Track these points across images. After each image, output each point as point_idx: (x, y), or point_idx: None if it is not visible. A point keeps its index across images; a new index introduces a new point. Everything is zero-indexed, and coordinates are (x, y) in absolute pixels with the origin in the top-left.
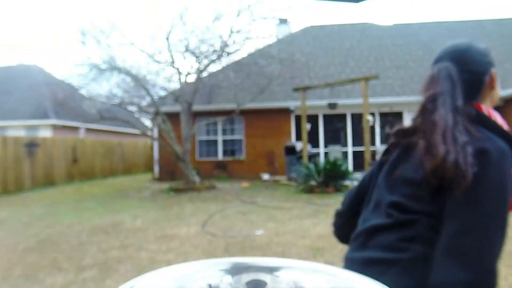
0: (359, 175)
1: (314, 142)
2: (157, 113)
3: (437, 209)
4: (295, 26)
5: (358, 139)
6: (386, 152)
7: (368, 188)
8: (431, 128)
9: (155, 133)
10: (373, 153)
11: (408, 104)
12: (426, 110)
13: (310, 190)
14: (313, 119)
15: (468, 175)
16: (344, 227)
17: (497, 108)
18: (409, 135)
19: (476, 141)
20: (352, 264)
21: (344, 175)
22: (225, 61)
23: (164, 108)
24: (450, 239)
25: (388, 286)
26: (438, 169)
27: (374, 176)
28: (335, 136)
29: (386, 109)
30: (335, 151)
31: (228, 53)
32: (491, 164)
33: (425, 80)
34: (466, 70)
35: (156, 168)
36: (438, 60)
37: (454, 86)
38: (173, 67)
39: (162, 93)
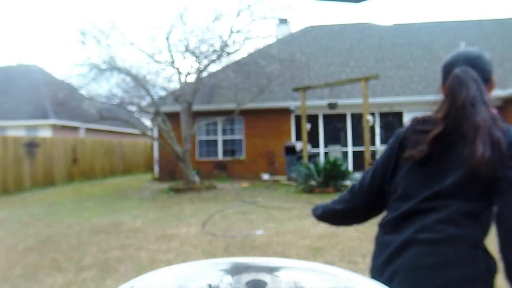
0: (359, 175)
1: (314, 142)
2: (157, 113)
3: (474, 199)
4: (295, 26)
5: (358, 139)
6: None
7: (385, 182)
8: (474, 130)
9: (155, 133)
10: (373, 153)
11: (408, 104)
12: (465, 113)
13: (310, 190)
14: (313, 119)
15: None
16: (347, 217)
17: (497, 108)
18: (443, 136)
19: (507, 134)
20: (391, 245)
21: (344, 175)
22: (225, 61)
23: (164, 108)
24: None
25: (425, 262)
26: (486, 165)
27: (396, 171)
28: (335, 136)
29: (386, 109)
30: (335, 151)
31: (228, 53)
32: None
33: (450, 81)
34: (484, 75)
35: (156, 168)
36: (452, 64)
37: (480, 89)
38: (173, 67)
39: (162, 93)
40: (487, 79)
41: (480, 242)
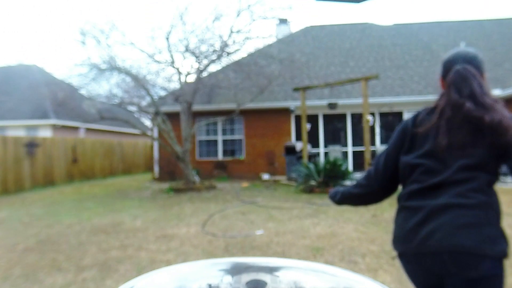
0: (359, 175)
1: (314, 142)
2: (157, 113)
3: (493, 169)
4: (295, 26)
5: (358, 139)
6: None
7: (398, 160)
8: (489, 109)
9: (155, 133)
10: (373, 153)
11: (408, 103)
12: (476, 98)
13: (310, 190)
14: (313, 119)
15: None
16: (365, 200)
17: None
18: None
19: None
20: (424, 209)
21: (344, 175)
22: (225, 61)
23: (164, 108)
24: None
25: (462, 222)
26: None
27: (413, 149)
28: (335, 136)
29: (386, 109)
30: (335, 151)
31: (228, 53)
32: None
33: (452, 76)
34: (481, 72)
35: (156, 168)
36: (452, 62)
37: (480, 82)
38: (173, 67)
39: (162, 93)
40: (482, 74)
41: (499, 208)
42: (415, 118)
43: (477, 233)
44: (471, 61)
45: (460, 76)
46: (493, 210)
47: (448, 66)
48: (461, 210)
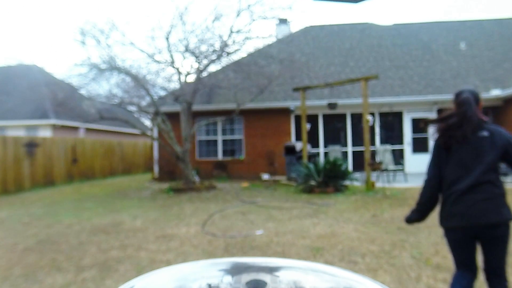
0: (358, 175)
1: (314, 142)
2: (157, 113)
3: (498, 171)
4: (295, 26)
5: (357, 139)
6: (440, 144)
7: (441, 168)
8: (470, 126)
9: (155, 133)
10: (373, 153)
11: (407, 103)
12: (466, 116)
13: (310, 190)
14: (313, 119)
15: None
16: (432, 197)
17: (497, 108)
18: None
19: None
20: (470, 200)
21: (344, 175)
22: (225, 61)
23: (164, 108)
24: None
25: (484, 203)
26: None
27: (444, 159)
28: (335, 136)
29: (386, 109)
30: (335, 151)
31: (228, 53)
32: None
33: (458, 100)
34: (476, 100)
35: (156, 168)
36: (462, 93)
37: (473, 106)
38: (173, 67)
39: (162, 93)
40: (477, 102)
41: (504, 194)
42: (438, 136)
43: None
44: (473, 93)
45: (466, 102)
46: (504, 197)
47: (458, 94)
48: (484, 196)
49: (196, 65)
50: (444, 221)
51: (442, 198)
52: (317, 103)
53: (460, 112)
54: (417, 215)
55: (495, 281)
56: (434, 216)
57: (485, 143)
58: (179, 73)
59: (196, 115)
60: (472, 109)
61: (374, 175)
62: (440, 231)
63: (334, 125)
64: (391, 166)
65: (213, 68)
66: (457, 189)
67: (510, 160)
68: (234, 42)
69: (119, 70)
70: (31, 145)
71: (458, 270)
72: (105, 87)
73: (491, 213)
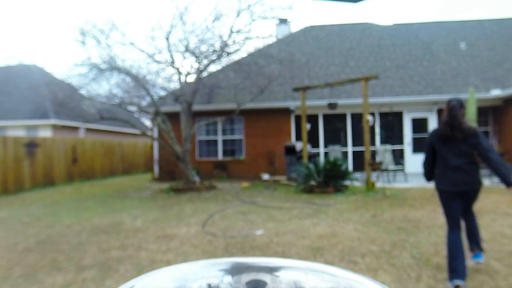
0: (358, 175)
1: (314, 142)
2: (157, 113)
3: (473, 157)
4: (295, 26)
5: (358, 139)
6: (433, 138)
7: (434, 154)
8: (458, 127)
9: (155, 133)
10: (373, 153)
11: (408, 103)
12: (455, 121)
13: (310, 190)
14: (313, 119)
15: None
16: (430, 172)
17: (497, 108)
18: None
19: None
20: (457, 172)
21: (344, 175)
22: (225, 61)
23: (164, 108)
24: (494, 155)
25: (464, 175)
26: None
27: (436, 149)
28: (335, 136)
29: (386, 109)
30: (335, 151)
31: (228, 53)
32: (481, 135)
33: (448, 107)
34: (462, 107)
35: (156, 168)
36: (451, 101)
37: (460, 112)
38: (173, 67)
39: (162, 93)
40: (464, 108)
41: (478, 172)
42: (434, 132)
43: (469, 177)
44: (460, 102)
45: (454, 107)
46: (477, 173)
47: (449, 101)
48: (463, 173)
49: (196, 65)
50: (440, 185)
51: (438, 172)
52: (317, 103)
53: (449, 121)
54: (426, 179)
55: (468, 214)
56: (432, 217)
57: (464, 143)
58: (179, 73)
59: (196, 115)
60: (458, 119)
61: (374, 175)
62: (439, 231)
63: (334, 125)
64: (391, 166)
65: (213, 68)
66: (449, 168)
67: (479, 153)
68: (234, 42)
69: (119, 70)
70: (31, 145)
71: (452, 231)
72: (105, 87)
73: (468, 184)
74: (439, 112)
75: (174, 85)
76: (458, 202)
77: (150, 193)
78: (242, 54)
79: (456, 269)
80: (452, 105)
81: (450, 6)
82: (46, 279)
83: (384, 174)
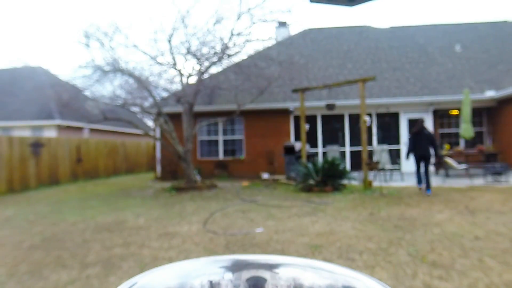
0: (356, 175)
1: (312, 142)
2: (159, 114)
3: (431, 149)
4: (294, 29)
5: (355, 139)
6: (413, 136)
7: (413, 145)
8: (421, 134)
9: (158, 133)
10: (370, 153)
11: (404, 104)
12: (421, 130)
13: (308, 189)
14: (311, 119)
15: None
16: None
17: (491, 109)
18: (417, 133)
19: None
20: (421, 158)
21: (342, 174)
22: (225, 63)
23: (166, 109)
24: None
25: (424, 152)
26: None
27: (415, 141)
28: (333, 136)
29: (383, 110)
30: (333, 151)
31: (229, 55)
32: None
33: (418, 122)
34: (422, 120)
35: (158, 168)
36: (418, 121)
37: (423, 126)
38: (175, 69)
39: (164, 94)
40: (422, 121)
41: (430, 155)
42: (413, 131)
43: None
44: (422, 121)
45: (421, 122)
46: (430, 155)
47: (418, 118)
48: (424, 153)
49: (197, 67)
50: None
51: (414, 152)
52: (315, 104)
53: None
54: (407, 155)
55: (426, 174)
56: (428, 215)
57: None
58: (181, 74)
59: (198, 116)
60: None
61: (371, 175)
62: (435, 229)
63: (333, 125)
64: (388, 166)
65: (214, 70)
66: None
67: (431, 145)
68: (234, 44)
69: (123, 72)
70: (37, 145)
71: (418, 171)
72: (108, 89)
73: (425, 154)
74: (435, 113)
75: (176, 87)
76: (422, 161)
77: (153, 192)
78: (242, 56)
79: (419, 181)
80: (418, 121)
81: (445, 9)
82: (51, 276)
83: (381, 173)
